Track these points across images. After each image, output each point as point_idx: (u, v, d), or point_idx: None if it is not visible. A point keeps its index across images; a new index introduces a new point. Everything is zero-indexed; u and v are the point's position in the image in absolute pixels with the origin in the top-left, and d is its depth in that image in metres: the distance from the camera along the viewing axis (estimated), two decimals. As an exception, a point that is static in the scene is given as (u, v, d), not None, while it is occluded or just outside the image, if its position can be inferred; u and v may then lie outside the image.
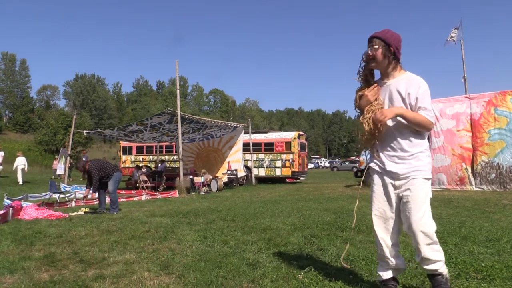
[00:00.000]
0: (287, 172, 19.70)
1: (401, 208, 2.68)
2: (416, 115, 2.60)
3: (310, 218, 6.47)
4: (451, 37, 15.07)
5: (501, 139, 11.02)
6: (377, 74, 2.84)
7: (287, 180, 20.59)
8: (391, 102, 2.69)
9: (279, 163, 19.81)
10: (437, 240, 2.60)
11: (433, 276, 2.64)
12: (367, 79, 2.78)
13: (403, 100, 2.64)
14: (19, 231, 5.57)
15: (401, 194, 2.65)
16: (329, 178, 26.99)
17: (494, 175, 11.06)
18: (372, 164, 2.82)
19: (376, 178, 2.79)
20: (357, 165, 16.12)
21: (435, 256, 2.58)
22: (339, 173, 40.08)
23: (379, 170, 2.76)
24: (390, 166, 2.68)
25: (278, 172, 19.89)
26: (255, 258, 3.83)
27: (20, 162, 19.31)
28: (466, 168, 11.45)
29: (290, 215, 6.98)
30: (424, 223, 2.57)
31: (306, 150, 22.89)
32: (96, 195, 8.03)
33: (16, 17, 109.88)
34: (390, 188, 2.70)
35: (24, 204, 8.03)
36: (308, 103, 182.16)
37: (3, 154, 20.61)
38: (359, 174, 15.58)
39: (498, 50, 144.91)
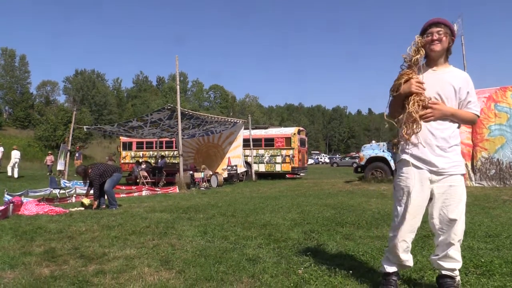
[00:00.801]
0: (287, 167, 19.70)
1: (434, 205, 2.62)
2: (464, 114, 2.65)
3: (310, 214, 6.48)
4: None
5: (501, 135, 11.01)
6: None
7: (287, 175, 20.59)
8: (443, 93, 2.64)
9: (279, 159, 19.81)
10: None
11: (445, 277, 2.63)
12: (414, 64, 2.67)
13: (455, 93, 2.64)
14: (19, 227, 5.58)
15: (436, 191, 2.60)
16: (329, 173, 27.03)
17: (494, 171, 11.07)
18: (405, 156, 2.68)
19: (411, 171, 2.64)
20: (357, 160, 16.08)
21: (458, 256, 2.62)
22: (339, 168, 40.13)
23: (415, 163, 2.63)
24: (429, 156, 2.59)
25: (278, 168, 19.89)
26: (255, 254, 3.84)
27: (16, 156, 19.37)
28: (466, 164, 11.44)
29: (290, 210, 6.99)
30: (462, 219, 2.60)
31: (306, 146, 22.87)
32: (96, 203, 8.03)
33: (15, 13, 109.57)
34: (426, 183, 2.60)
35: (24, 199, 8.04)
36: (308, 99, 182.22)
37: (2, 150, 20.63)
38: (359, 169, 15.54)
39: (498, 45, 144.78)
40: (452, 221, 2.57)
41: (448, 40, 2.64)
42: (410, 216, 2.62)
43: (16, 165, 19.30)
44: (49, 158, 23.86)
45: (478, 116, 2.73)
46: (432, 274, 2.98)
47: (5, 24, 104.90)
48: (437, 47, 2.63)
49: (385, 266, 2.76)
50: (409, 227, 2.64)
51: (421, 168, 2.62)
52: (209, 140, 19.19)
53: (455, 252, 2.60)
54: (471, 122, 2.77)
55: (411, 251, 2.75)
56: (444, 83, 2.65)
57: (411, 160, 2.65)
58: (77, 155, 21.45)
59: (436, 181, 2.60)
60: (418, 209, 2.63)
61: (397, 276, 2.77)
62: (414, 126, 2.61)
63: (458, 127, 2.71)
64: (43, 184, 14.08)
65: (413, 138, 2.64)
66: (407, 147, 2.69)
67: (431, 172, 2.60)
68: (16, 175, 19.02)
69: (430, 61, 2.72)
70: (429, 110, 2.60)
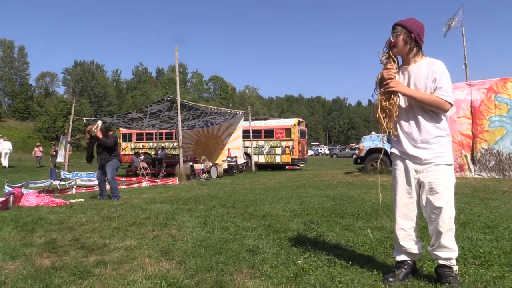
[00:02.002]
0: (287, 159, 19.73)
1: (421, 194, 2.71)
2: (427, 96, 2.65)
3: (309, 205, 6.50)
4: (449, 22, 14.74)
5: (502, 126, 11.00)
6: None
7: (287, 167, 20.63)
8: (415, 86, 2.74)
9: (279, 150, 19.82)
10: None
11: (443, 267, 2.66)
12: (390, 62, 2.82)
13: (426, 84, 2.69)
14: (20, 218, 5.60)
15: (422, 180, 2.68)
16: (328, 165, 27.06)
17: (493, 162, 11.08)
18: (393, 150, 2.85)
19: (398, 163, 2.81)
20: (356, 152, 16.09)
21: (452, 245, 2.65)
22: (339, 160, 40.16)
23: (401, 155, 2.78)
24: (412, 151, 2.70)
25: (278, 159, 19.91)
26: (255, 244, 3.85)
27: (6, 146, 19.32)
28: (465, 155, 11.46)
29: (289, 201, 7.01)
30: (448, 208, 2.63)
31: (306, 137, 22.88)
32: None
33: (14, 4, 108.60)
34: (412, 173, 2.72)
35: (24, 191, 8.05)
36: (308, 90, 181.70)
37: (2, 142, 20.60)
38: (359, 161, 15.55)
39: (499, 36, 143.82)
40: (438, 209, 2.63)
41: (404, 37, 2.71)
42: (401, 204, 2.78)
43: (7, 155, 19.27)
44: (36, 150, 23.05)
45: (449, 103, 2.61)
46: (431, 265, 3.00)
47: (4, 15, 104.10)
48: (394, 51, 2.79)
49: (395, 254, 2.88)
50: (403, 215, 2.78)
51: (406, 159, 2.75)
52: (209, 131, 19.18)
53: (448, 241, 2.64)
54: (439, 108, 2.63)
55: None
56: (413, 74, 2.76)
57: (397, 153, 2.81)
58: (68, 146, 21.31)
59: (422, 171, 2.69)
60: (407, 198, 2.76)
61: (409, 266, 2.80)
62: (383, 122, 2.76)
63: (441, 118, 2.70)
64: (43, 175, 14.10)
65: (398, 132, 2.78)
66: (393, 141, 2.85)
67: (416, 163, 2.71)
68: (3, 163, 18.96)
69: (403, 61, 2.86)
70: (392, 82, 2.71)
